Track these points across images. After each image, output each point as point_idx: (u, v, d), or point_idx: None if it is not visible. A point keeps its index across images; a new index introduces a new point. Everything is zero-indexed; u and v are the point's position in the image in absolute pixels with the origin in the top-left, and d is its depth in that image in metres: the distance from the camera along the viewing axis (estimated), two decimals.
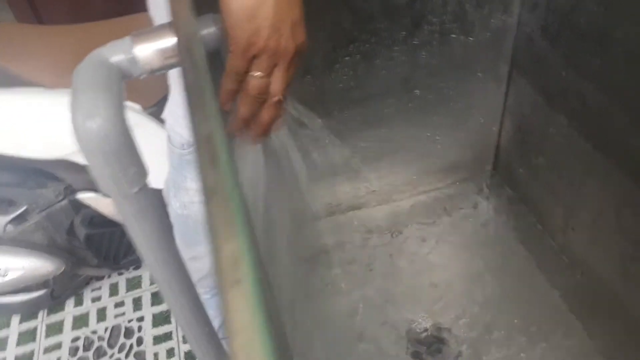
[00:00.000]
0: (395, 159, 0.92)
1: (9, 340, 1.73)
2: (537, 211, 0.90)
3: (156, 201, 0.55)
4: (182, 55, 0.30)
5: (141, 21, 1.17)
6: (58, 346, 1.70)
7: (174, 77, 0.87)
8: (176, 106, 0.93)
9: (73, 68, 1.15)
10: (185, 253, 0.56)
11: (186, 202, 0.99)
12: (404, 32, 0.76)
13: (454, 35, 0.79)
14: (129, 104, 1.31)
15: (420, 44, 0.78)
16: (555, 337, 0.83)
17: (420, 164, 0.94)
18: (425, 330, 0.85)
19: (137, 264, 1.78)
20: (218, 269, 0.19)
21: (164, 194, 1.06)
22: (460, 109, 0.88)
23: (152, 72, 0.54)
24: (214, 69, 0.64)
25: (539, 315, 0.85)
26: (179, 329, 1.67)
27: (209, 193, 0.22)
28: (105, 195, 1.45)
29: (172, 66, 0.52)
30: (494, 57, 0.84)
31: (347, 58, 0.76)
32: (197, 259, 1.13)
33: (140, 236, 0.55)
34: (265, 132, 0.58)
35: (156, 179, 0.67)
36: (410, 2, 0.72)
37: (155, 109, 1.28)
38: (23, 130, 1.32)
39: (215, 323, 1.37)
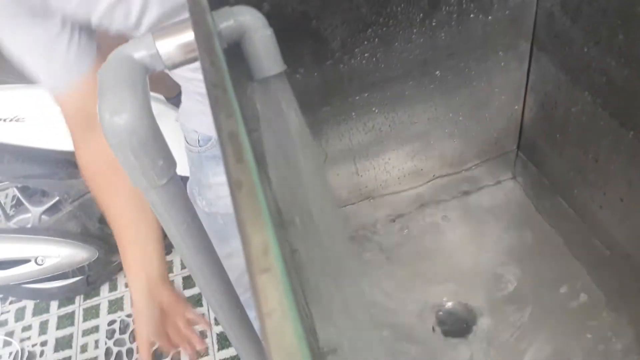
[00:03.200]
0: (418, 141, 0.92)
1: (49, 324, 1.81)
2: (563, 189, 0.90)
3: (184, 190, 0.57)
4: (201, 53, 0.32)
5: None
6: (95, 329, 1.77)
7: (182, 77, 0.88)
8: (188, 104, 0.94)
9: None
10: (220, 251, 0.59)
11: (212, 198, 1.00)
12: (421, 14, 0.75)
13: (472, 15, 0.78)
14: (151, 94, 1.33)
15: (439, 25, 0.77)
16: (583, 315, 0.83)
17: (443, 146, 0.94)
18: (450, 309, 0.86)
19: (168, 249, 1.83)
20: (248, 258, 0.20)
21: (189, 195, 1.07)
22: (482, 89, 0.88)
23: (175, 66, 0.55)
24: (235, 63, 0.66)
25: (565, 294, 0.86)
26: (211, 311, 1.72)
27: (236, 187, 0.23)
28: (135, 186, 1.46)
29: (193, 59, 0.54)
30: (514, 34, 0.83)
31: (365, 42, 0.76)
32: (233, 256, 1.14)
33: (172, 225, 0.57)
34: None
35: (180, 168, 0.70)
36: None
37: (177, 99, 1.30)
38: (53, 123, 1.36)
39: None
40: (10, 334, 1.82)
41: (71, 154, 1.41)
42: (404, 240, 0.95)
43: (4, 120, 1.33)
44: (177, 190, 0.56)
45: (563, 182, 0.89)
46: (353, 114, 0.84)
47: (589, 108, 0.76)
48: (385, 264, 0.94)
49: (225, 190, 0.41)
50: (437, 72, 0.83)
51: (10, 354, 1.77)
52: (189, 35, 0.51)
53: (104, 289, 1.89)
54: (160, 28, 0.54)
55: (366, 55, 0.77)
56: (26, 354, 1.76)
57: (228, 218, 1.02)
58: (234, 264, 1.15)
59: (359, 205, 0.97)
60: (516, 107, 0.93)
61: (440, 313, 0.86)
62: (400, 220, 0.97)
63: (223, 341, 1.66)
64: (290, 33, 0.71)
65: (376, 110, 0.85)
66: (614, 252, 0.81)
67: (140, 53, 0.54)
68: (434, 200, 0.98)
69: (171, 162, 0.54)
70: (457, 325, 0.85)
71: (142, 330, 0.86)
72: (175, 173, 0.55)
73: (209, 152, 0.94)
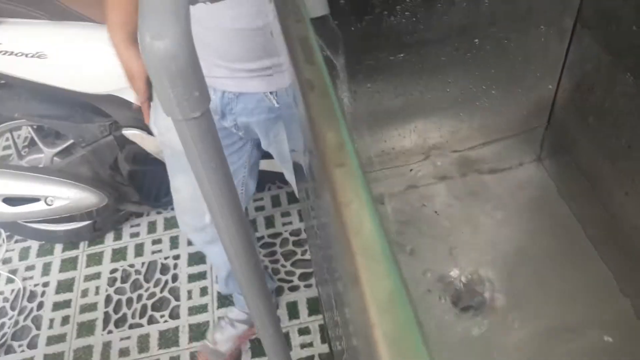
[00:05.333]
0: (448, 110, 0.90)
1: (52, 266, 1.82)
2: (590, 173, 0.88)
3: (215, 129, 0.56)
4: None
5: None
6: (97, 276, 1.78)
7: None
8: None
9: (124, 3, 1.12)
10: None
11: (162, 128, 0.99)
12: None
13: None
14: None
15: None
16: (597, 302, 0.82)
17: (471, 119, 0.93)
18: (463, 282, 0.86)
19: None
20: (322, 154, 0.19)
21: (150, 125, 1.07)
22: (518, 63, 0.86)
23: None
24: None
25: (581, 281, 0.85)
26: (214, 269, 1.72)
27: (307, 88, 0.22)
28: (150, 132, 1.47)
29: None
30: (559, 9, 0.81)
31: (408, 0, 0.74)
32: (177, 191, 1.12)
33: (199, 162, 0.56)
34: None
35: None
36: None
37: None
38: (73, 63, 1.34)
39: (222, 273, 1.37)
40: (14, 271, 1.84)
41: (89, 97, 1.41)
42: (421, 212, 0.94)
43: (27, 55, 1.31)
44: (209, 127, 0.54)
45: (591, 165, 0.87)
46: (385, 75, 0.82)
47: (629, 91, 0.74)
48: (398, 235, 0.93)
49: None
50: (476, 40, 0.81)
51: (13, 291, 1.78)
52: None
53: (109, 237, 1.90)
54: None
55: (407, 13, 0.75)
56: (28, 293, 1.78)
57: (177, 153, 1.00)
58: (178, 199, 1.12)
59: (380, 172, 0.95)
60: (550, 86, 0.91)
61: (453, 286, 0.86)
62: (420, 190, 0.96)
63: (222, 299, 1.67)
64: None
65: (409, 74, 0.83)
66: (636, 241, 0.80)
67: None
68: (457, 173, 0.97)
69: (206, 96, 0.52)
70: (469, 298, 0.84)
71: (132, 64, 0.92)
72: (208, 109, 0.53)
73: None
